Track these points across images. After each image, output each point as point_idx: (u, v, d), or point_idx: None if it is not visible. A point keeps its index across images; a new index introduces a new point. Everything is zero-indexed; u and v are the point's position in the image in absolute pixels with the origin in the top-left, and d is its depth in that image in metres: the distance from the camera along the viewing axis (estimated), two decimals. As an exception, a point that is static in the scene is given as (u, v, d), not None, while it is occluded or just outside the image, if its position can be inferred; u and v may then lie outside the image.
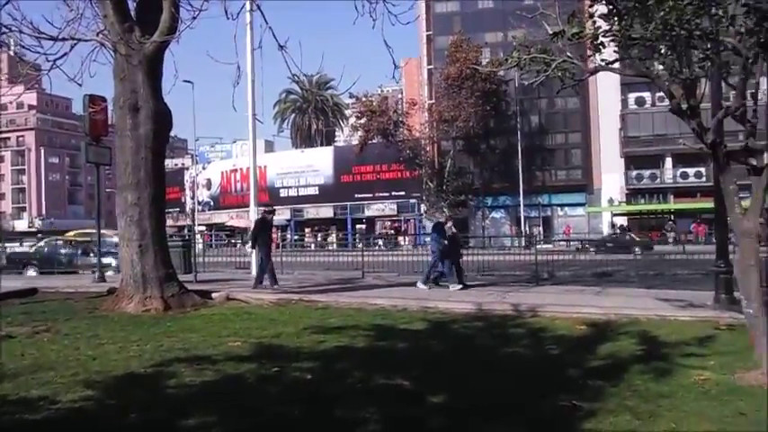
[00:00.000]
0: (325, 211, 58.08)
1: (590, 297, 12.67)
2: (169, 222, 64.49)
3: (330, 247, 36.76)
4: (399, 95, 74.83)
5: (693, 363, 6.98)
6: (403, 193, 53.61)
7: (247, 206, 20.18)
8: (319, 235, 48.65)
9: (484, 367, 6.94)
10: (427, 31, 57.30)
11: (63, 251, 22.16)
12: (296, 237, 45.24)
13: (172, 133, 15.48)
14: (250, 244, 14.89)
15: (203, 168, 70.57)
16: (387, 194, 54.73)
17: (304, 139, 75.39)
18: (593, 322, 9.69)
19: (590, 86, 51.00)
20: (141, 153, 11.52)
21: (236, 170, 63.45)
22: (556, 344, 8.22)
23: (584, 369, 6.78)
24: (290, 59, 8.38)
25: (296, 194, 60.20)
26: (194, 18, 9.09)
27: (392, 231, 50.75)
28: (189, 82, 50.91)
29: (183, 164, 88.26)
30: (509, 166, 51.01)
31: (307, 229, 52.60)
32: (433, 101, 51.11)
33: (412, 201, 53.59)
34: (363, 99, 48.37)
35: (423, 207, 51.02)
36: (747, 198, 7.13)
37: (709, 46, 6.96)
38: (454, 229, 15.60)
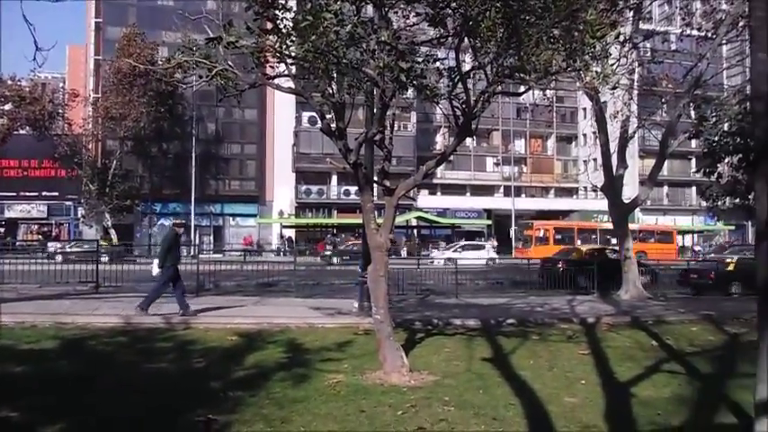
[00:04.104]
0: (-49, 210, 48.12)
1: (248, 307, 12.81)
2: None
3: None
4: (61, 84, 66.55)
5: (330, 367, 7.49)
6: (57, 194, 47.45)
7: None
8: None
9: (118, 387, 6.33)
10: (96, 17, 52.16)
11: None
12: None
13: None
14: (158, 263, 11.46)
15: None
16: (35, 194, 47.80)
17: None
18: (245, 332, 9.75)
19: (267, 100, 52.73)
20: None
21: None
22: (204, 356, 8.01)
23: (228, 381, 6.70)
24: None
25: None
26: None
27: (39, 236, 44.41)
28: None
29: None
30: (182, 173, 49.28)
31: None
32: (100, 95, 46.55)
33: (67, 203, 47.83)
34: (10, 82, 41.44)
35: (81, 211, 45.88)
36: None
37: (355, 75, 7.66)
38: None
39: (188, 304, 11.70)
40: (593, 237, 43.82)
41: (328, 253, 37.14)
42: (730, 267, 19.44)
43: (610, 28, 7.76)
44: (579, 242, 42.27)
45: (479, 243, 42.11)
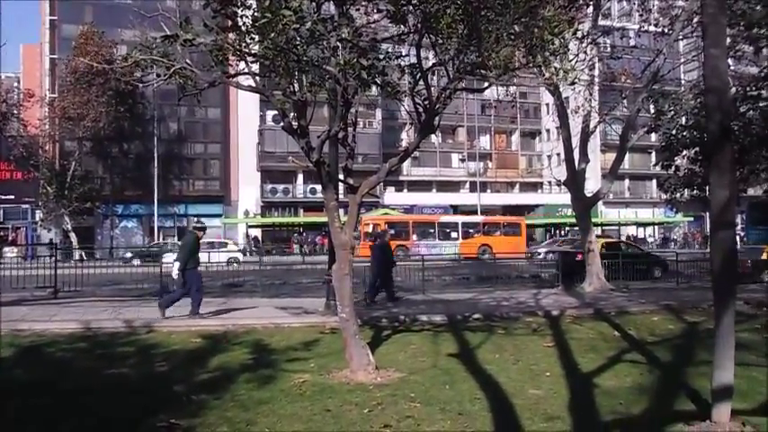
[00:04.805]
0: None
1: (212, 308, 12.60)
2: None
3: None
4: (15, 83, 64.54)
5: (296, 367, 7.43)
6: (12, 197, 46.07)
7: None
8: None
9: (77, 394, 6.16)
10: (51, 15, 50.77)
11: None
12: None
13: None
14: (179, 265, 11.32)
15: None
16: (-10, 198, 46.45)
17: None
18: (210, 334, 9.61)
19: (231, 99, 52.07)
20: None
21: None
22: (167, 360, 7.86)
23: (191, 384, 6.59)
24: None
25: None
26: None
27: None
28: None
29: None
30: (144, 173, 48.31)
31: None
32: (56, 95, 45.29)
33: (24, 206, 46.46)
34: (-39, 83, 40.15)
35: (39, 214, 44.59)
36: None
37: (317, 73, 7.60)
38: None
39: (167, 310, 11.43)
40: (432, 231, 41.05)
41: None
42: (764, 256, 20.57)
43: (567, 24, 7.87)
44: (415, 237, 39.94)
45: (223, 241, 38.03)
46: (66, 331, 9.75)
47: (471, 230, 41.17)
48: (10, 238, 45.46)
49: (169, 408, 5.69)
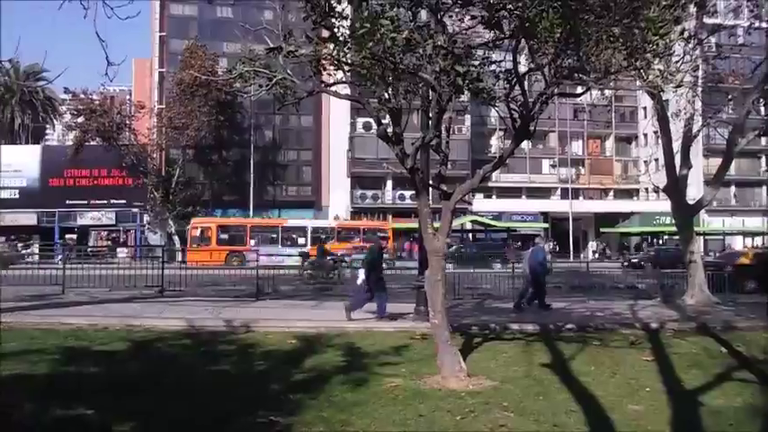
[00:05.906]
0: (27, 218, 50.41)
1: (306, 311, 12.99)
2: None
3: (30, 259, 32.18)
4: (128, 96, 69.18)
5: (388, 371, 7.52)
6: (124, 201, 49.39)
7: None
8: (19, 245, 41.97)
9: (182, 389, 6.54)
10: (161, 31, 54.21)
11: None
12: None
13: None
14: (365, 272, 12.47)
15: None
16: (105, 202, 49.87)
17: (5, 134, 64.88)
18: (304, 336, 9.90)
19: (323, 107, 53.49)
20: None
21: None
22: (264, 359, 8.18)
23: (288, 383, 6.83)
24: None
25: (-12, 197, 51.21)
26: None
27: (109, 242, 46.22)
28: None
29: None
30: (240, 179, 50.60)
31: (1, 239, 45.12)
32: (164, 106, 48.28)
33: (134, 210, 49.67)
34: (82, 96, 43.48)
35: (146, 218, 47.62)
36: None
37: (412, 80, 7.70)
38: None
39: (353, 312, 11.94)
40: (274, 236, 38.05)
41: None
42: None
43: (674, 23, 7.53)
44: (253, 243, 36.00)
45: None
46: (172, 328, 10.37)
47: (323, 237, 36.29)
48: (122, 240, 48.73)
49: (268, 405, 5.92)
